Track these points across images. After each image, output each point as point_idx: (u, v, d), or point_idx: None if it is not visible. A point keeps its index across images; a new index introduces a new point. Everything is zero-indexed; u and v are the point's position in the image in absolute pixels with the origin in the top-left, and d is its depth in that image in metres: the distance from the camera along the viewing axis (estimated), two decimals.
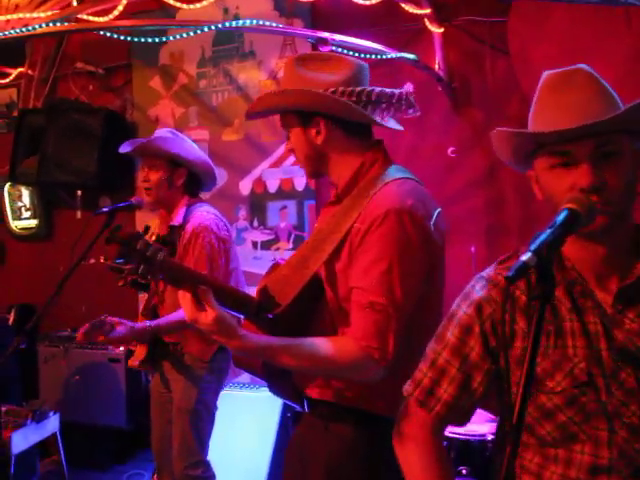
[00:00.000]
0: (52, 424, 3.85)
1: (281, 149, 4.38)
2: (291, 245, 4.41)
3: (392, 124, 1.74)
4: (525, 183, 1.38)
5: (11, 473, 3.47)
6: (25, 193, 5.33)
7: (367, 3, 3.53)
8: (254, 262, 4.38)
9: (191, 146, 2.92)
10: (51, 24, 3.40)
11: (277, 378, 1.84)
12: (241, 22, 3.44)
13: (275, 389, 1.90)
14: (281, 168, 4.47)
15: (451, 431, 2.92)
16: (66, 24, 3.55)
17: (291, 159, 4.30)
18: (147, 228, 2.92)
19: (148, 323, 2.72)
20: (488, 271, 1.37)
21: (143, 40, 3.94)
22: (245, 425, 3.66)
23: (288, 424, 3.58)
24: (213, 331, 1.53)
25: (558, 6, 3.42)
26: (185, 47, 4.73)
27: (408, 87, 4.01)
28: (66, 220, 5.22)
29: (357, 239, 1.63)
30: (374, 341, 1.55)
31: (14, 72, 5.22)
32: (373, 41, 3.62)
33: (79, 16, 3.59)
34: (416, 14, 3.84)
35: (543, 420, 1.25)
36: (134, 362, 2.88)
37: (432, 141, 4.05)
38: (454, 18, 3.99)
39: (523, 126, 1.32)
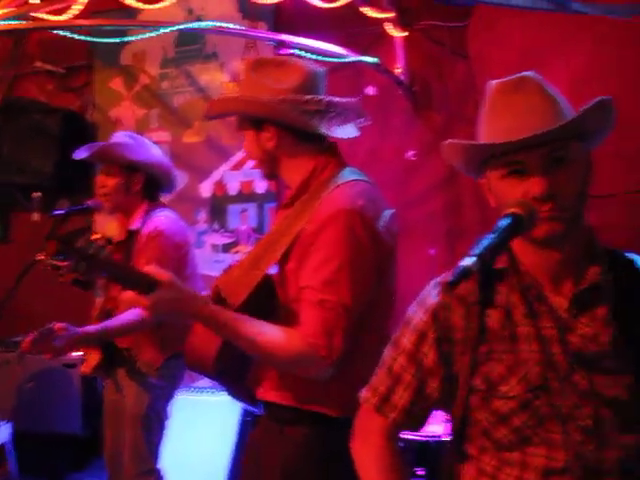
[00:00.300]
0: (2, 434, 3.75)
1: (242, 152, 4.35)
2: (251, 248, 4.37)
3: (341, 133, 1.75)
4: None
5: None
6: None
7: (330, 6, 3.54)
8: (215, 265, 4.32)
9: (149, 150, 2.88)
10: (7, 22, 3.33)
11: (230, 379, 1.84)
12: (202, 24, 3.42)
13: (230, 391, 1.89)
14: (242, 171, 4.44)
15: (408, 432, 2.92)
16: (23, 22, 3.49)
17: (252, 162, 4.28)
18: (88, 229, 2.88)
19: (94, 327, 2.67)
20: (444, 276, 1.36)
21: (103, 40, 3.89)
22: (204, 430, 3.62)
23: (248, 428, 3.55)
24: (173, 298, 1.56)
25: (516, 11, 3.47)
26: (147, 48, 4.68)
27: (369, 90, 4.04)
28: (23, 223, 5.10)
29: (308, 240, 1.64)
30: (321, 338, 1.57)
31: None
32: (336, 44, 3.63)
33: (36, 14, 3.53)
34: (379, 18, 3.87)
35: (498, 424, 1.25)
36: (86, 369, 2.83)
37: (392, 144, 4.07)
38: (416, 23, 4.04)
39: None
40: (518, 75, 1.26)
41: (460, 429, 1.30)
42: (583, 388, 1.20)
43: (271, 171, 1.82)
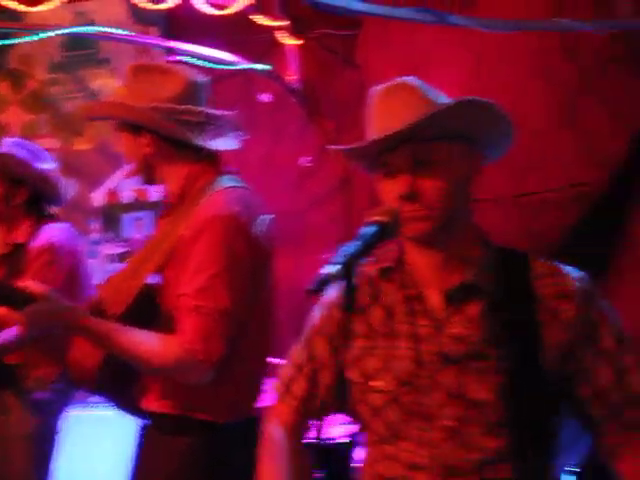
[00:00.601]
0: None
1: None
2: None
3: (219, 144, 1.76)
4: None
5: None
6: None
7: (221, 14, 3.54)
8: None
9: (37, 161, 2.77)
10: None
11: (115, 392, 1.81)
12: (88, 29, 3.34)
13: (116, 404, 1.86)
14: (135, 178, 4.34)
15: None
16: None
17: None
18: None
19: None
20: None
21: None
22: (100, 446, 3.52)
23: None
24: (50, 312, 1.55)
25: (405, 21, 3.58)
26: (35, 51, 4.53)
27: (263, 98, 4.06)
28: None
29: (184, 247, 1.65)
30: (199, 343, 1.58)
31: None
32: (229, 51, 3.63)
33: None
34: (272, 26, 3.90)
35: (374, 418, 1.29)
36: None
37: (287, 150, 4.12)
38: (309, 31, 4.09)
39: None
40: (397, 80, 1.29)
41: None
42: (450, 388, 1.22)
43: (149, 177, 1.84)
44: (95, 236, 4.42)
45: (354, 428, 1.41)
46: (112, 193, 4.41)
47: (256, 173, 4.14)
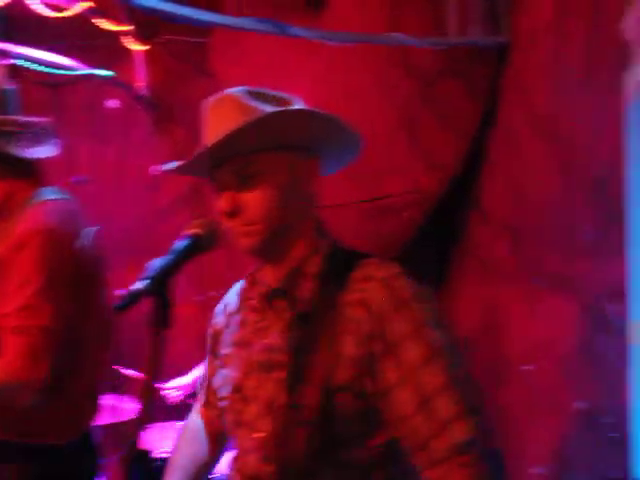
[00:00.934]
0: None
1: None
2: None
3: (34, 153, 1.70)
4: None
5: None
6: None
7: (59, 16, 3.39)
8: None
9: None
10: None
11: None
12: None
13: None
14: None
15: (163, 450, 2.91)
16: None
17: None
18: None
19: None
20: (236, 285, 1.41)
21: None
22: None
23: None
24: None
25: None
26: None
27: (111, 104, 3.95)
28: None
29: (4, 265, 1.59)
30: (23, 364, 1.53)
31: None
32: (73, 57, 3.48)
33: None
34: (119, 31, 3.78)
35: (224, 422, 1.33)
36: None
37: (137, 158, 4.01)
38: (157, 36, 4.01)
39: None
40: (221, 94, 1.25)
41: None
42: (264, 399, 1.21)
43: None
44: None
45: None
46: None
47: (105, 182, 4.04)
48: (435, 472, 1.10)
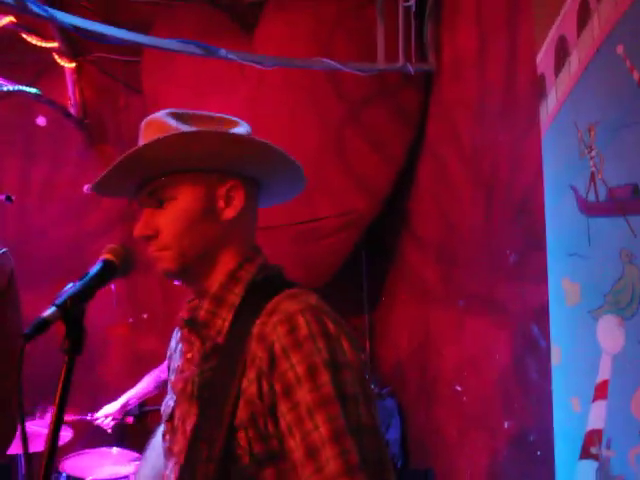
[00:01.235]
0: None
1: None
2: None
3: None
4: None
5: None
6: None
7: None
8: None
9: None
10: None
11: None
12: None
13: None
14: None
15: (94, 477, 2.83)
16: None
17: None
18: None
19: None
20: None
21: None
22: None
23: None
24: None
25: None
26: None
27: (40, 121, 3.86)
28: None
29: None
30: None
31: None
32: (1, 73, 3.39)
33: None
34: (48, 47, 3.70)
35: None
36: None
37: (68, 177, 3.93)
38: (88, 54, 3.94)
39: None
40: (150, 116, 1.21)
41: None
42: (187, 431, 1.16)
43: None
44: None
45: None
46: None
47: (34, 200, 3.94)
48: None
